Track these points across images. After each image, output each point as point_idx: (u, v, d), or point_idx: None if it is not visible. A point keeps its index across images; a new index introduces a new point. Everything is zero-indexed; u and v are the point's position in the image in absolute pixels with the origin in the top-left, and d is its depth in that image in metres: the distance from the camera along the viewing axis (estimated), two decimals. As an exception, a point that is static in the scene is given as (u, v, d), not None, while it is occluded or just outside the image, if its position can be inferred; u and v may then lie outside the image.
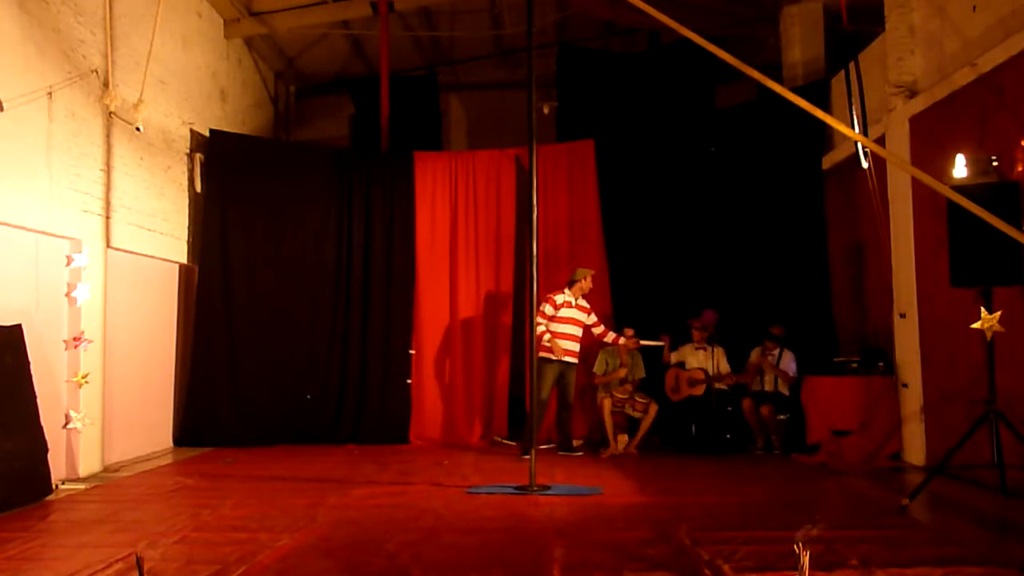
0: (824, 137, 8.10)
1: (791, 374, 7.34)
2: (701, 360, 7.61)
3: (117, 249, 6.88)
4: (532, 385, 6.01)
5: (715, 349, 7.54)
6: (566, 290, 7.36)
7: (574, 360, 7.33)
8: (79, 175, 6.31)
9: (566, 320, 7.27)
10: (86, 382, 6.21)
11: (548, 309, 7.21)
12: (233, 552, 3.90)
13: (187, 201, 8.25)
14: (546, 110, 10.09)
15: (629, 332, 7.64)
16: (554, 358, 7.17)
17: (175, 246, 8.00)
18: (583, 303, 7.43)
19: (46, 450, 5.42)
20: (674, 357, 7.73)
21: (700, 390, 7.50)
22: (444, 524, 4.58)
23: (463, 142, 11.49)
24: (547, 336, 7.16)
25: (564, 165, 8.69)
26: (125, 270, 7.09)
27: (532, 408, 6.42)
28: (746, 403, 7.37)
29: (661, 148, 8.65)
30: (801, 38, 8.88)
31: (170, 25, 7.82)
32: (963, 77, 5.74)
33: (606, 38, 10.94)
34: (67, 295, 6.23)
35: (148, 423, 7.63)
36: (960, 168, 5.25)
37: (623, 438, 7.36)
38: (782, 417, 7.32)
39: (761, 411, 7.29)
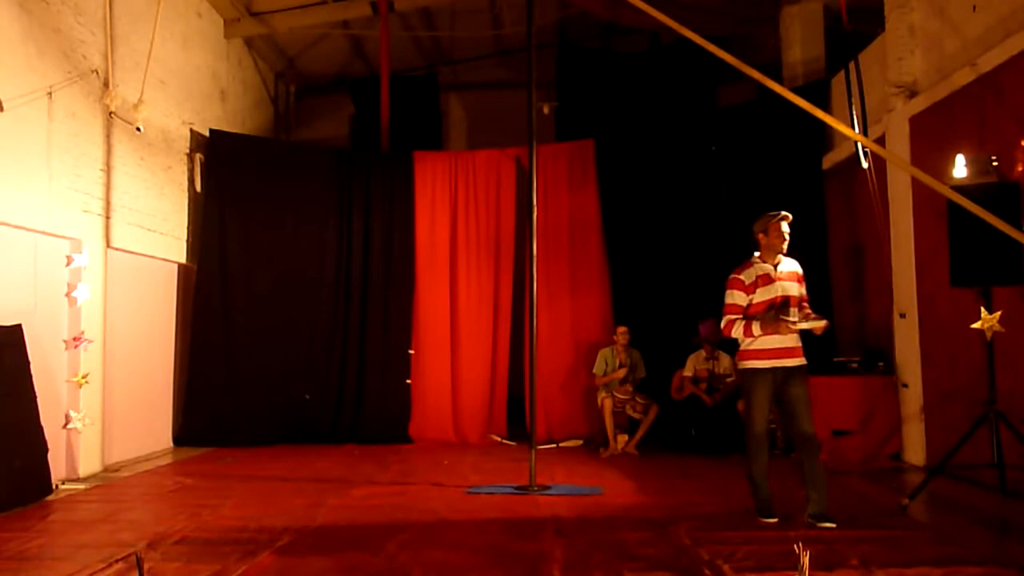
0: (824, 137, 8.10)
1: None
2: (709, 366, 7.66)
3: (117, 249, 6.88)
4: (530, 384, 5.97)
5: (719, 353, 7.62)
6: (755, 259, 4.82)
7: (796, 361, 4.57)
8: (79, 175, 6.31)
9: (768, 302, 4.62)
10: (86, 382, 6.21)
11: (739, 297, 4.65)
12: (233, 552, 3.90)
13: (187, 201, 8.25)
14: (546, 110, 10.08)
15: (622, 330, 7.67)
16: (763, 365, 4.57)
17: (175, 246, 8.00)
18: (790, 267, 4.78)
19: (46, 450, 5.42)
20: (687, 369, 7.72)
21: (702, 388, 7.52)
22: (444, 524, 4.58)
23: (463, 142, 11.49)
24: (752, 328, 4.55)
25: (564, 165, 8.69)
26: (125, 270, 7.09)
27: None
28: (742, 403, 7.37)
29: (661, 148, 8.65)
30: (801, 38, 8.89)
31: (170, 25, 7.82)
32: (963, 77, 5.73)
33: (606, 38, 10.94)
34: (67, 295, 6.23)
35: (148, 423, 7.63)
36: (960, 168, 5.25)
37: (623, 438, 7.36)
38: (782, 417, 7.32)
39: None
